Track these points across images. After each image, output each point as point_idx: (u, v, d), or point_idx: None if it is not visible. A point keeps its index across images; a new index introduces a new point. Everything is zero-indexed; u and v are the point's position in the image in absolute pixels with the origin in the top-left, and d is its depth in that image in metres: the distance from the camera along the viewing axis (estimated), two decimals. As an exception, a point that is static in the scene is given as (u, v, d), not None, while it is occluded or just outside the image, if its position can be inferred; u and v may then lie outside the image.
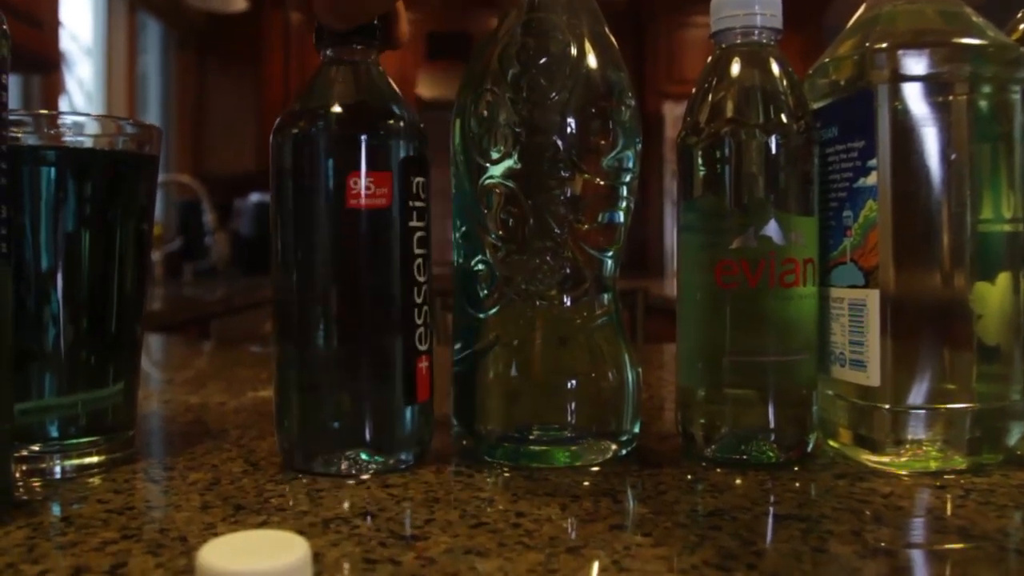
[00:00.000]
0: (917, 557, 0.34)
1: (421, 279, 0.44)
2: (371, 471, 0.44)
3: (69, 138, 0.45)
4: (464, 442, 0.47)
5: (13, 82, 2.34)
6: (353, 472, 0.43)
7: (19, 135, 0.44)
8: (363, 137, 0.43)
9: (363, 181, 0.42)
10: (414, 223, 0.44)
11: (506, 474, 0.44)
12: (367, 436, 0.44)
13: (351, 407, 0.44)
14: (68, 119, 0.45)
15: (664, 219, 3.54)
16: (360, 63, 0.45)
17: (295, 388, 0.44)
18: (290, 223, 0.43)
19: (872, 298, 0.44)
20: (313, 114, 0.44)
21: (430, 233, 0.45)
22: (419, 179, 0.44)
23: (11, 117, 0.44)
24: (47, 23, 1.94)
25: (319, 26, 0.45)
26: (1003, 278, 0.44)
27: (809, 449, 0.46)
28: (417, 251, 0.44)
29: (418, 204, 0.44)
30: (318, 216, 0.43)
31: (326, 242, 0.43)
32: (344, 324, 0.43)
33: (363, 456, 0.43)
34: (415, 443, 0.45)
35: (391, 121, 0.44)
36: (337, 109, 0.44)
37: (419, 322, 0.44)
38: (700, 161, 0.46)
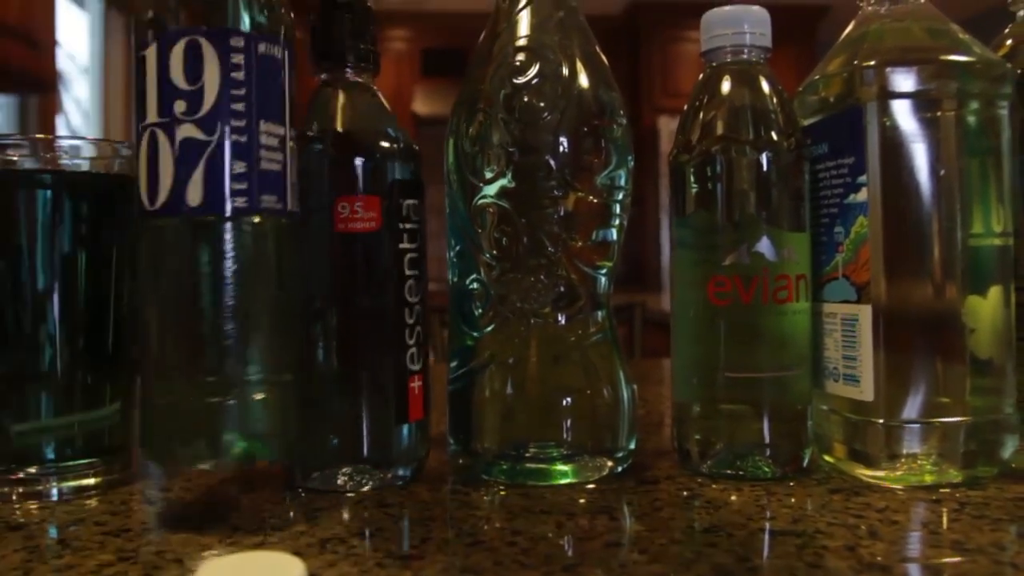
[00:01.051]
0: (913, 571, 0.34)
1: (413, 300, 0.45)
2: (369, 486, 0.44)
3: (66, 161, 0.45)
4: (461, 460, 0.47)
5: (10, 102, 2.35)
6: (350, 488, 0.44)
7: (16, 158, 0.44)
8: (351, 162, 0.44)
9: (351, 205, 0.43)
10: (405, 245, 0.45)
11: (502, 492, 0.44)
12: (364, 453, 0.44)
13: (346, 425, 0.44)
14: (64, 143, 0.46)
15: (661, 233, 3.55)
16: (355, 86, 0.46)
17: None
18: None
19: (864, 313, 0.44)
20: (305, 139, 0.44)
21: (424, 254, 0.46)
22: (410, 201, 0.45)
23: (8, 141, 0.45)
24: (44, 43, 1.95)
25: (315, 49, 0.46)
26: (994, 292, 0.44)
27: (804, 464, 0.46)
28: (408, 272, 0.45)
29: (409, 226, 0.45)
30: (311, 239, 0.43)
31: (319, 264, 0.44)
32: (337, 344, 0.44)
33: (359, 472, 0.44)
34: (411, 459, 0.46)
35: (381, 144, 0.45)
36: (328, 134, 0.45)
37: (411, 342, 0.45)
38: (692, 178, 0.46)
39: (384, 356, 0.44)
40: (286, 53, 0.39)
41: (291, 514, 0.40)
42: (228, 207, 0.37)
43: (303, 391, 0.43)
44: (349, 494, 0.43)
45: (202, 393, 0.38)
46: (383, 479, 0.44)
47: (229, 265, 0.38)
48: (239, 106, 0.38)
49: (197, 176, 0.37)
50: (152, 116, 0.38)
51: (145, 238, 0.39)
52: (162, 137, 0.38)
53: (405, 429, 0.45)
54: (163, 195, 0.38)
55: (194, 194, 0.37)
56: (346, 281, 0.44)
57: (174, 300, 0.39)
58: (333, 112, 0.46)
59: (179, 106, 0.37)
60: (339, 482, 0.44)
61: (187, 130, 0.37)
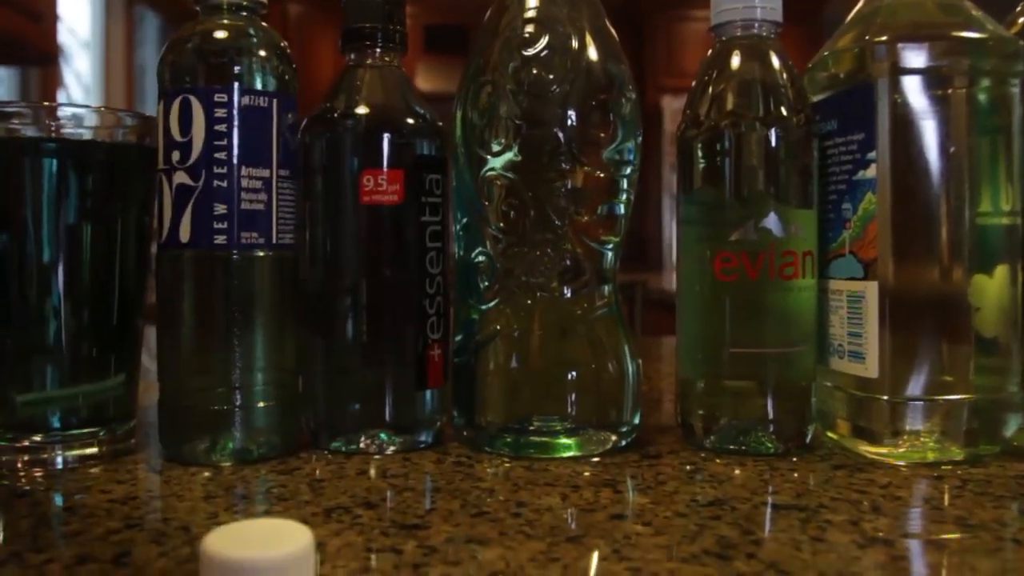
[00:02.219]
0: (914, 546, 0.34)
1: (434, 271, 0.47)
2: (391, 450, 0.46)
3: (69, 130, 0.45)
4: (465, 433, 0.48)
5: (11, 75, 2.34)
6: (373, 451, 0.46)
7: (19, 126, 0.44)
8: (376, 137, 0.45)
9: (375, 178, 0.45)
10: (427, 218, 0.46)
11: (507, 464, 0.44)
12: (386, 417, 0.46)
13: (369, 390, 0.46)
14: (67, 111, 0.45)
15: (663, 212, 3.54)
16: (381, 66, 0.48)
17: (319, 372, 0.47)
18: (316, 217, 0.46)
19: (871, 290, 0.44)
20: (334, 115, 0.46)
21: (446, 228, 0.48)
22: (434, 176, 0.47)
23: (10, 109, 0.44)
24: (45, 16, 1.94)
25: (344, 32, 0.48)
26: (1001, 271, 0.44)
27: (808, 440, 0.47)
28: (430, 244, 0.46)
29: (432, 200, 0.46)
30: (337, 211, 0.46)
31: (344, 236, 0.46)
32: (361, 312, 0.46)
33: (383, 436, 0.46)
34: (432, 424, 0.48)
35: (407, 120, 0.47)
36: (355, 111, 0.47)
37: (431, 311, 0.47)
38: (700, 154, 0.46)
39: (405, 324, 0.46)
40: (274, 101, 0.44)
41: (296, 484, 0.41)
42: (211, 243, 0.43)
43: (331, 358, 0.47)
44: (375, 456, 0.45)
45: (206, 400, 0.44)
46: (405, 443, 0.46)
47: (217, 291, 0.44)
48: (221, 155, 0.43)
49: (187, 216, 0.43)
50: (160, 163, 0.44)
51: (157, 267, 0.45)
52: (164, 182, 0.44)
53: (426, 395, 0.47)
54: (165, 232, 0.44)
55: (185, 232, 0.43)
56: (370, 252, 0.46)
57: (177, 319, 0.44)
58: (361, 90, 0.47)
59: (175, 156, 0.43)
60: (362, 445, 0.46)
61: (180, 177, 0.43)
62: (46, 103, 0.46)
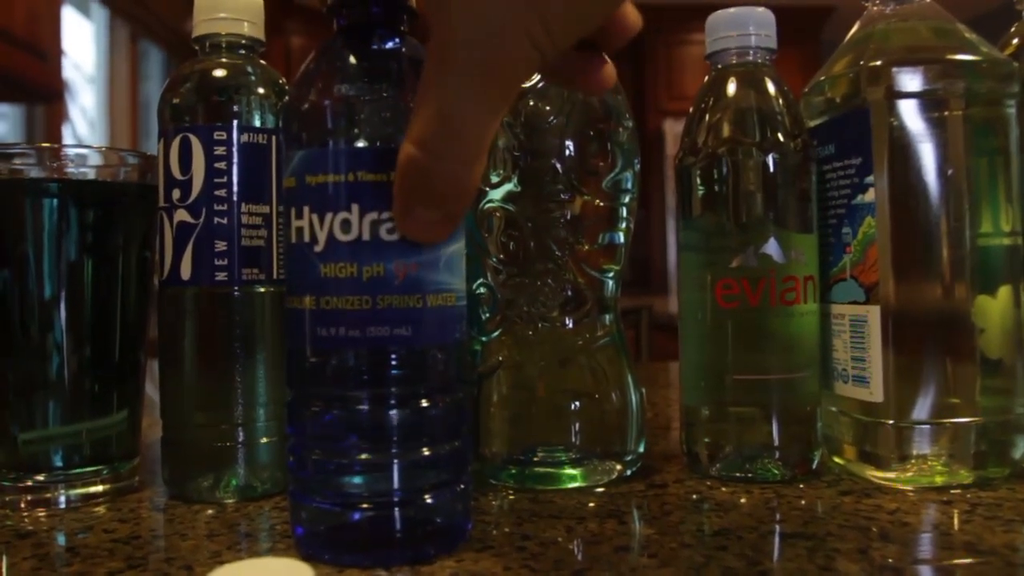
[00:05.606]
0: (924, 574, 0.33)
1: None
2: None
3: (72, 170, 0.45)
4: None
5: (17, 112, 2.36)
6: None
7: (22, 167, 0.44)
8: None
9: None
10: None
11: (511, 497, 0.44)
12: None
13: None
14: (71, 151, 0.46)
15: (668, 237, 3.54)
16: None
17: None
18: None
19: (873, 314, 0.44)
20: None
21: None
22: None
23: (15, 150, 0.45)
24: (50, 53, 1.96)
25: None
26: (1004, 291, 0.44)
27: (814, 466, 0.46)
28: None
29: None
30: None
31: None
32: None
33: None
34: None
35: None
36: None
37: None
38: (699, 181, 0.46)
39: None
40: (273, 138, 0.44)
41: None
42: (212, 280, 0.43)
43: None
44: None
45: (209, 437, 0.44)
46: None
47: (219, 327, 0.44)
48: (221, 192, 0.43)
49: (187, 254, 0.43)
50: (161, 201, 0.44)
51: (159, 305, 0.45)
52: (165, 220, 0.44)
53: None
54: (166, 270, 0.44)
55: (186, 269, 0.44)
56: None
57: (179, 356, 0.44)
58: None
59: (175, 194, 0.44)
60: None
61: (180, 214, 0.44)
62: (50, 144, 0.47)
